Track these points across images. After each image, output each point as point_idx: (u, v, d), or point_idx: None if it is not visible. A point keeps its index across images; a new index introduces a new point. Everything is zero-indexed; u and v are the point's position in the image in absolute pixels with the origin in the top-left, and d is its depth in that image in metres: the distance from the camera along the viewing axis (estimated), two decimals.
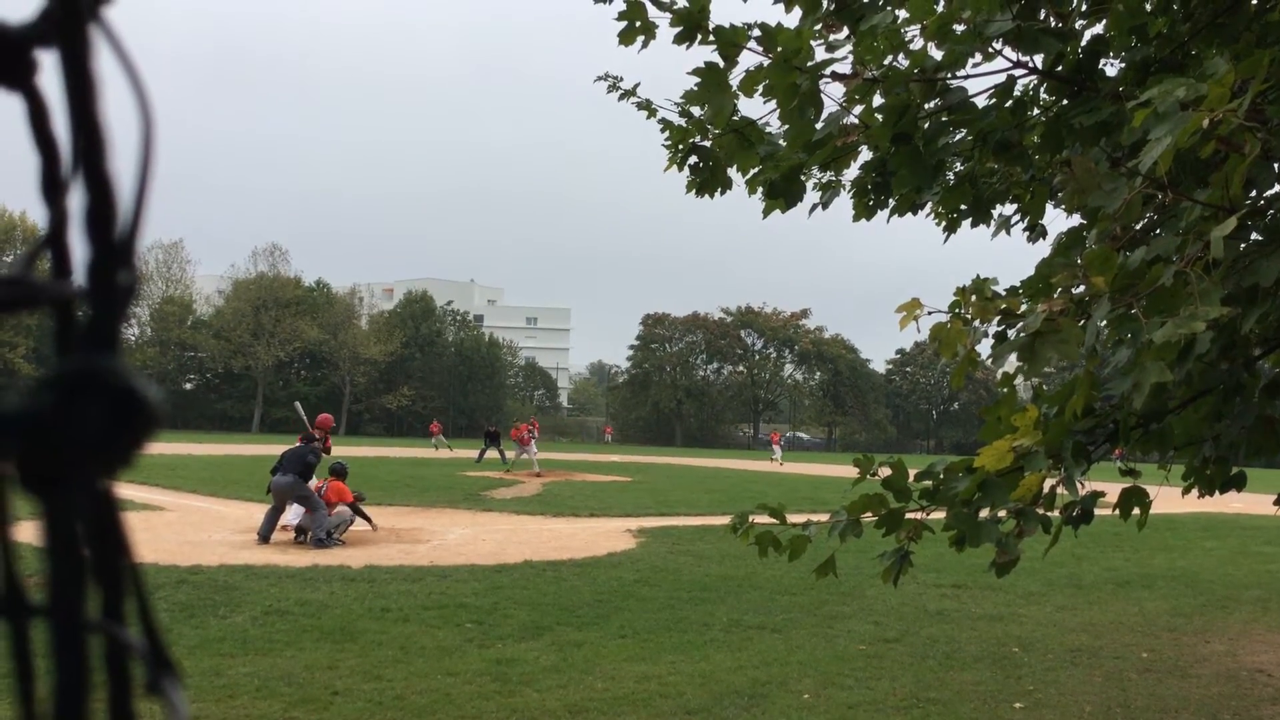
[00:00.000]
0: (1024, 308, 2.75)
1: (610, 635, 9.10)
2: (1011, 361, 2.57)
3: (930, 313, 2.80)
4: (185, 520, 16.77)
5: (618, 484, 29.64)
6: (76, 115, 0.38)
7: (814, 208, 4.67)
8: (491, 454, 37.93)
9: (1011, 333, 2.79)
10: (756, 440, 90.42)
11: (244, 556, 12.90)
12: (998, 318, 3.09)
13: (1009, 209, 4.92)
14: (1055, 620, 10.71)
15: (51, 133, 0.39)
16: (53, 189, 0.39)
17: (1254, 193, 2.86)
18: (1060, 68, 3.64)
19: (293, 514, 14.98)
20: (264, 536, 14.42)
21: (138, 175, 0.38)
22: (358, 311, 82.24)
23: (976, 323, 2.96)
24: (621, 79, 4.86)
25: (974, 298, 2.77)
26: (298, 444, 15.82)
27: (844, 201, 4.85)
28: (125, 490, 19.63)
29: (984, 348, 3.04)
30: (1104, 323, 2.42)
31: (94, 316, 0.38)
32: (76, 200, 0.39)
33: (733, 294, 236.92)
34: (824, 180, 4.77)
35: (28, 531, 0.39)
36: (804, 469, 45.70)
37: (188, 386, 78.42)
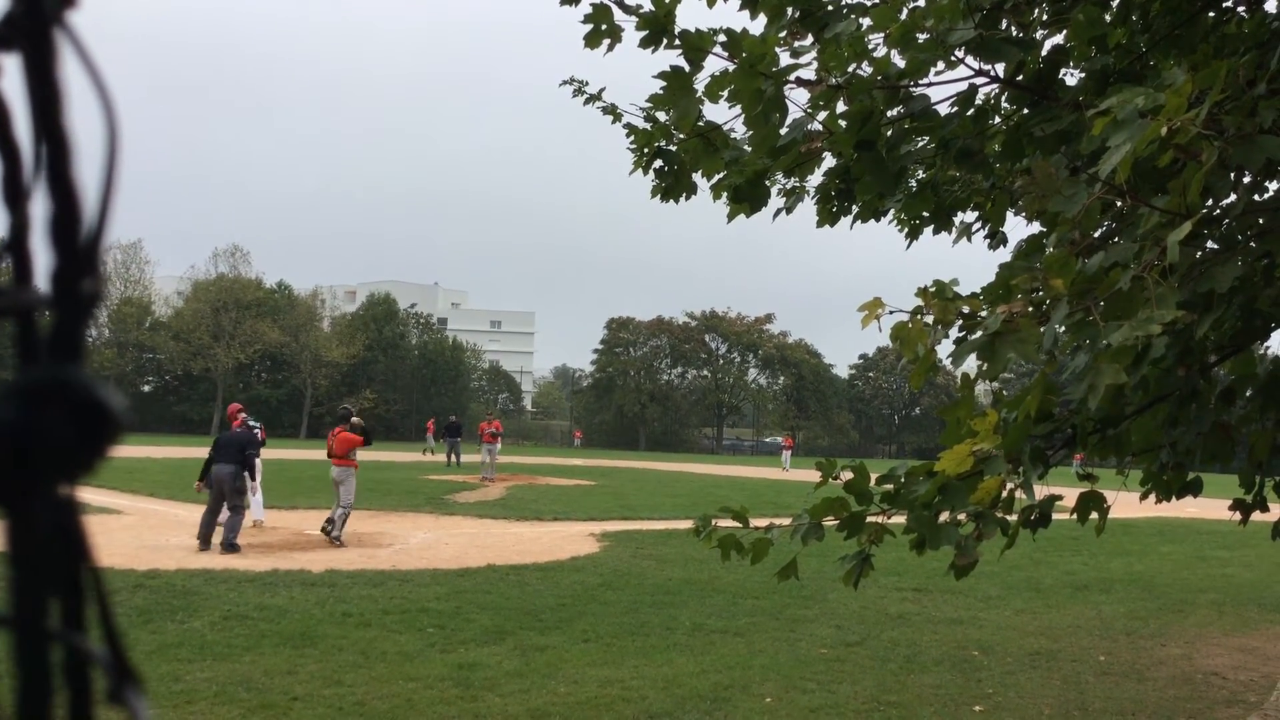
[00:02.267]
0: (985, 311, 2.78)
1: (573, 639, 9.09)
2: (971, 364, 2.60)
3: (891, 312, 2.83)
4: (143, 524, 16.56)
5: (581, 488, 29.61)
6: (40, 121, 0.37)
7: (778, 213, 4.69)
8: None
9: (973, 335, 2.82)
10: (721, 445, 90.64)
11: (202, 561, 12.77)
12: (959, 320, 3.12)
13: (970, 216, 4.98)
14: (1014, 624, 10.81)
15: (13, 137, 0.39)
16: (14, 195, 0.39)
17: (1210, 200, 2.91)
18: (1021, 77, 3.69)
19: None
20: (205, 540, 13.75)
21: (102, 182, 0.38)
22: (320, 314, 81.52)
23: (938, 325, 2.99)
24: (587, 83, 4.87)
25: (935, 299, 2.79)
26: (233, 431, 15.04)
27: (808, 207, 4.88)
28: (83, 493, 19.44)
29: (945, 349, 3.08)
30: (1062, 326, 2.45)
31: (58, 325, 0.37)
32: (39, 207, 0.38)
33: (697, 298, 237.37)
34: (789, 186, 4.80)
35: None
36: (767, 473, 45.83)
37: (146, 389, 77.44)
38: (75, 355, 0.38)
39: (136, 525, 16.40)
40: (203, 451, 15.36)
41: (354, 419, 15.73)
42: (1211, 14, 3.85)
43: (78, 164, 0.38)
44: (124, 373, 74.83)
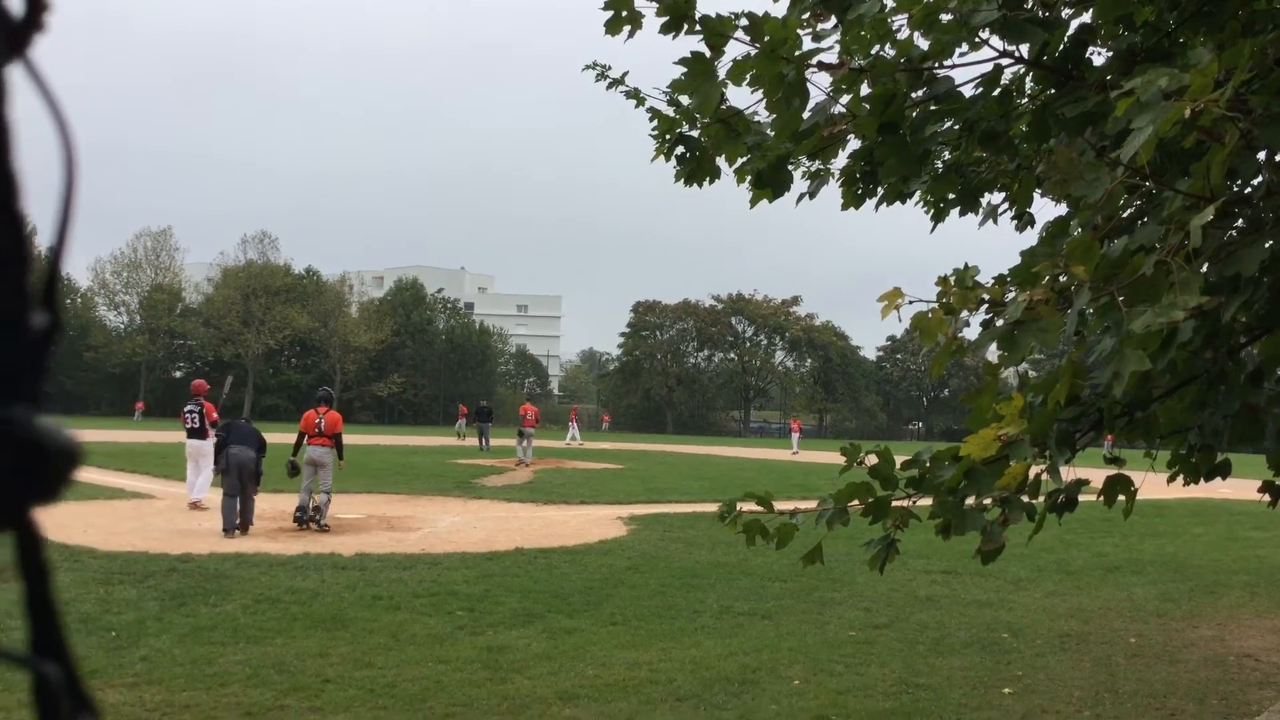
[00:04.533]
0: (1010, 295, 2.77)
1: (601, 622, 9.13)
2: (994, 350, 2.59)
3: (911, 301, 2.82)
4: (176, 508, 16.76)
5: (609, 471, 29.68)
6: None
7: (801, 197, 4.67)
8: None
9: (998, 322, 2.80)
10: (748, 428, 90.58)
11: (234, 544, 12.90)
12: (984, 306, 3.11)
13: (997, 197, 4.94)
14: (1045, 606, 10.76)
15: None
16: None
17: (1240, 182, 2.88)
18: (1046, 57, 3.65)
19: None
20: (234, 526, 13.85)
21: (59, 215, 0.38)
22: (348, 299, 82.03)
23: (964, 312, 2.98)
24: (610, 68, 4.86)
25: (955, 286, 2.78)
26: (241, 421, 15.15)
27: (834, 189, 4.86)
28: (118, 479, 19.49)
29: (971, 335, 3.06)
30: (1088, 310, 2.43)
31: (4, 363, 0.37)
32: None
33: (723, 281, 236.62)
34: (813, 169, 4.78)
35: None
36: (796, 456, 45.78)
37: (177, 375, 78.17)
38: (22, 394, 0.38)
39: (170, 510, 16.59)
40: None
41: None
42: None
43: (24, 199, 0.38)
44: (156, 359, 75.59)
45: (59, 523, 14.24)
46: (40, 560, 0.40)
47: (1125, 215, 3.40)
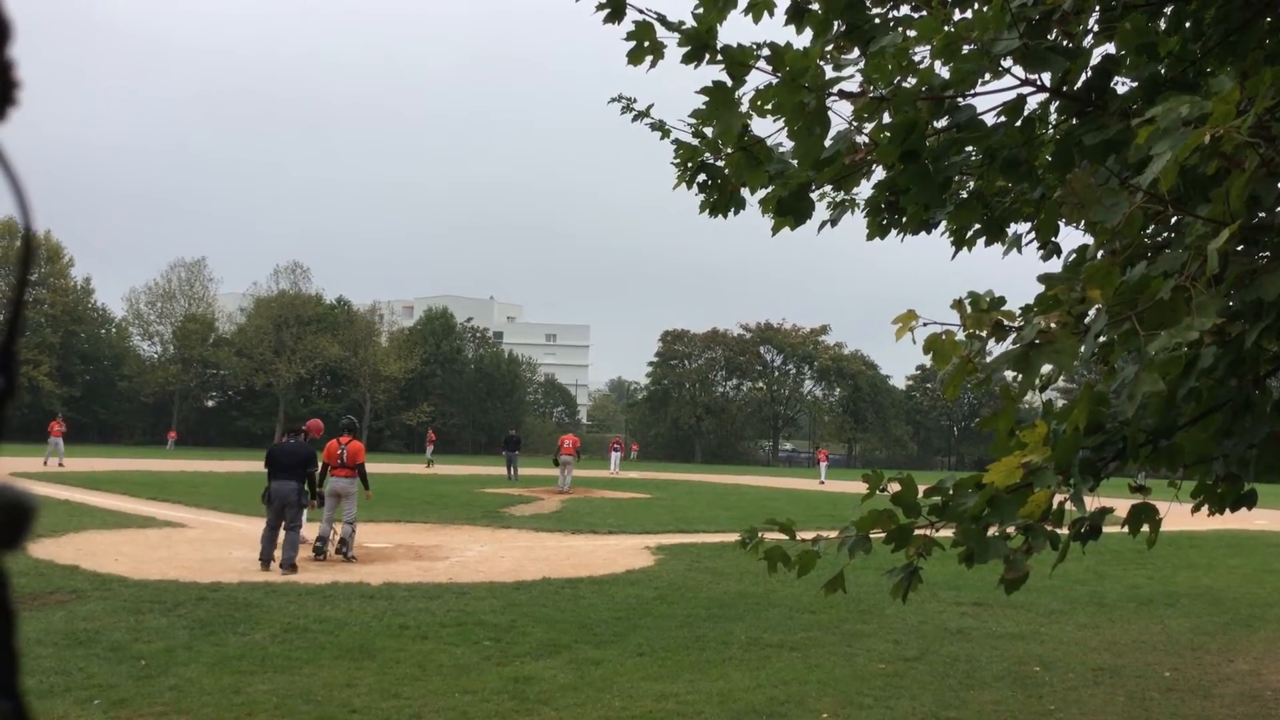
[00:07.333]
0: (1020, 321, 2.77)
1: (628, 653, 9.09)
2: (1013, 374, 2.58)
3: (926, 324, 2.82)
4: (207, 537, 16.87)
5: (637, 500, 29.62)
6: None
7: (823, 225, 4.69)
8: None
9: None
10: (776, 457, 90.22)
11: (264, 574, 12.96)
12: (1013, 334, 3.10)
13: (1023, 227, 4.93)
14: (1077, 639, 10.62)
15: None
16: None
17: (1262, 210, 2.87)
18: (1068, 86, 3.65)
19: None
20: (269, 558, 13.58)
21: (17, 279, 0.39)
22: (378, 329, 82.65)
23: (990, 340, 2.97)
24: (635, 100, 4.89)
25: (970, 310, 2.78)
26: (291, 440, 14.50)
27: (858, 219, 4.87)
28: (149, 507, 19.59)
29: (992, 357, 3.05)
30: (1102, 337, 2.43)
31: None
32: None
33: (752, 310, 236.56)
34: (837, 198, 4.79)
35: None
36: (826, 485, 45.52)
37: (210, 404, 78.98)
38: None
39: (200, 539, 16.70)
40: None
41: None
42: (1268, 20, 3.79)
43: None
44: (188, 388, 76.37)
45: (90, 551, 14.37)
46: (6, 604, 0.41)
47: (1150, 242, 3.40)
